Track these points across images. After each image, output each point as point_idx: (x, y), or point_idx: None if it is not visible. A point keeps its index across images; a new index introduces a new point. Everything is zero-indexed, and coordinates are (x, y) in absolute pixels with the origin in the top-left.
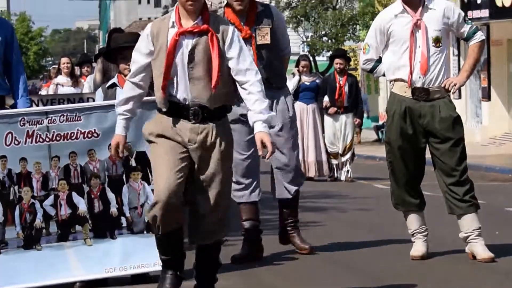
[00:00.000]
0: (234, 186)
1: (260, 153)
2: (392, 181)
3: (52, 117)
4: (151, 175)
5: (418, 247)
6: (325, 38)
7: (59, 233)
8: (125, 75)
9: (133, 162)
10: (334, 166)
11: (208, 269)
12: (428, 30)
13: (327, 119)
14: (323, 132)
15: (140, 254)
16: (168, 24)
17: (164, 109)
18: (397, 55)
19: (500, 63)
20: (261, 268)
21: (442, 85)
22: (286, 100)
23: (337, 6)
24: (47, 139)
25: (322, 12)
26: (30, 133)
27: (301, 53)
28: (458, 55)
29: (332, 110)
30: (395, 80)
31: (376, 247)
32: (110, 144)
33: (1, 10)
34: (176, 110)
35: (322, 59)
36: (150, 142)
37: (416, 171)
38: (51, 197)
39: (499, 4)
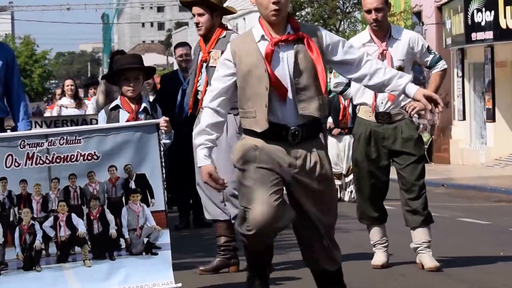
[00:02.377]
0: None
1: (430, 107)
2: (358, 197)
3: (52, 139)
4: (150, 198)
5: (379, 257)
6: None
7: (59, 254)
8: (128, 97)
9: (132, 184)
10: (338, 187)
11: None
12: (393, 60)
13: (331, 139)
14: None
15: (139, 275)
16: (254, 39)
17: (260, 130)
18: None
19: (504, 85)
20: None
21: (404, 108)
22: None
23: (340, 28)
24: (47, 161)
25: None
26: (30, 155)
27: None
28: (462, 77)
29: (336, 131)
30: (361, 104)
31: (379, 268)
32: (110, 166)
33: (6, 34)
34: (274, 131)
35: None
36: (240, 169)
37: (380, 188)
38: (51, 219)
39: (503, 25)
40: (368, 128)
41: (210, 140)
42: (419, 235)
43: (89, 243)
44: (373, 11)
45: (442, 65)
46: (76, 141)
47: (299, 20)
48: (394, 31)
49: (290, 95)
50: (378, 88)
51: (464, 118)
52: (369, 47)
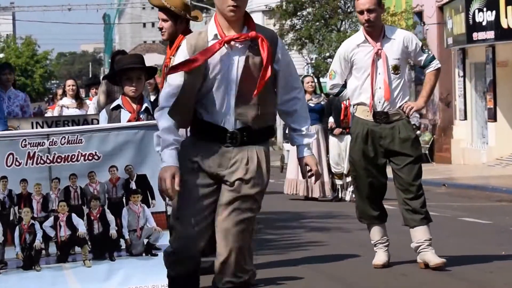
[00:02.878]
0: None
1: (308, 176)
2: (356, 196)
3: (53, 139)
4: (151, 199)
5: (380, 257)
6: (329, 60)
7: (59, 254)
8: (130, 97)
9: (133, 185)
10: (339, 187)
11: None
12: (388, 59)
13: (332, 139)
14: (327, 153)
15: (139, 276)
16: (207, 36)
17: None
18: (360, 81)
19: (505, 84)
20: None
21: (401, 109)
22: None
23: (342, 28)
24: (48, 161)
25: (327, 34)
26: (31, 154)
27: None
28: (464, 76)
29: (337, 131)
30: (358, 104)
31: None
32: (110, 166)
33: (7, 34)
34: (210, 131)
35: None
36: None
37: (378, 187)
38: (51, 219)
39: (504, 25)
40: (366, 128)
41: (177, 141)
42: (420, 234)
43: (89, 243)
44: (365, 12)
45: (436, 64)
46: (77, 141)
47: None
48: (388, 31)
49: (228, 99)
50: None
51: (465, 118)
52: (364, 47)
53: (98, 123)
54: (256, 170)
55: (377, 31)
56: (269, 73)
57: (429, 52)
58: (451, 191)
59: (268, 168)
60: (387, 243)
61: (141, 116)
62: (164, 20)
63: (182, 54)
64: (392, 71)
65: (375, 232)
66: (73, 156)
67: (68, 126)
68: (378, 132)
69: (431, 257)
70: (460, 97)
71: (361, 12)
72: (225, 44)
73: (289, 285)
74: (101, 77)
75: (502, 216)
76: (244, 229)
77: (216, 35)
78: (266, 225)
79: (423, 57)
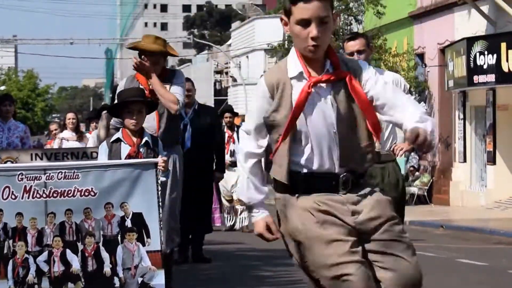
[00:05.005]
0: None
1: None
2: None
3: (50, 173)
4: (146, 237)
5: None
6: None
7: None
8: (130, 130)
9: (128, 223)
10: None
11: None
12: None
13: None
14: None
15: None
16: (288, 74)
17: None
18: None
19: (505, 128)
20: None
21: (391, 149)
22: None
23: None
24: (44, 195)
25: None
26: (27, 188)
27: None
28: (464, 119)
29: None
30: None
31: None
32: (106, 203)
33: (9, 67)
34: (313, 181)
35: None
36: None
37: None
38: (45, 253)
39: (505, 69)
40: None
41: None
42: None
43: (82, 280)
44: (355, 54)
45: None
46: (74, 176)
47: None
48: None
49: (328, 144)
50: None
51: (464, 160)
52: None
53: (97, 156)
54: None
55: None
56: (371, 112)
57: (416, 95)
58: (449, 233)
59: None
60: None
61: (140, 149)
62: (155, 63)
63: (262, 95)
64: None
65: None
66: (69, 192)
67: (67, 158)
68: (368, 171)
69: None
70: (460, 139)
71: (351, 54)
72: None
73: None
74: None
75: (499, 258)
76: None
77: (301, 73)
78: (264, 262)
79: None
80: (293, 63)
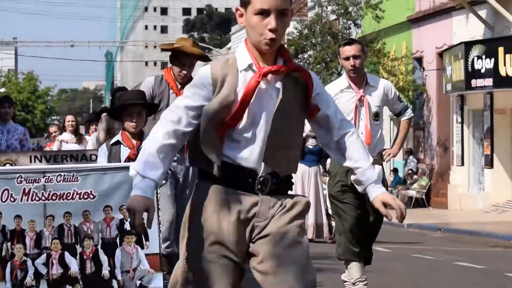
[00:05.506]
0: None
1: (389, 217)
2: (337, 233)
3: (49, 176)
4: (145, 240)
5: None
6: None
7: None
8: (130, 132)
9: (127, 226)
10: (335, 228)
11: None
12: (370, 105)
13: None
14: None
15: None
16: (237, 66)
17: (215, 173)
18: None
19: (503, 131)
20: None
21: (379, 155)
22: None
23: (342, 72)
24: (43, 198)
25: (327, 77)
26: (26, 191)
27: None
28: (462, 123)
29: None
30: None
31: None
32: (105, 206)
33: (8, 69)
34: (235, 176)
35: None
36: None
37: (360, 223)
38: (44, 256)
39: (503, 73)
40: (346, 168)
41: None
42: (358, 271)
43: (81, 282)
44: (351, 58)
45: (409, 113)
46: (73, 179)
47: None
48: (370, 78)
49: (260, 139)
50: (341, 163)
51: (462, 164)
52: (347, 93)
53: (96, 159)
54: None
55: (360, 78)
56: (314, 107)
57: (404, 102)
58: (446, 236)
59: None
60: (366, 282)
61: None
62: (190, 66)
63: (204, 85)
64: (373, 118)
65: (355, 270)
66: (68, 194)
67: (67, 160)
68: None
69: None
70: (457, 143)
71: (347, 59)
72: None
73: None
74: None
75: (497, 261)
76: None
77: (251, 65)
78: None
79: (399, 106)
80: (243, 56)
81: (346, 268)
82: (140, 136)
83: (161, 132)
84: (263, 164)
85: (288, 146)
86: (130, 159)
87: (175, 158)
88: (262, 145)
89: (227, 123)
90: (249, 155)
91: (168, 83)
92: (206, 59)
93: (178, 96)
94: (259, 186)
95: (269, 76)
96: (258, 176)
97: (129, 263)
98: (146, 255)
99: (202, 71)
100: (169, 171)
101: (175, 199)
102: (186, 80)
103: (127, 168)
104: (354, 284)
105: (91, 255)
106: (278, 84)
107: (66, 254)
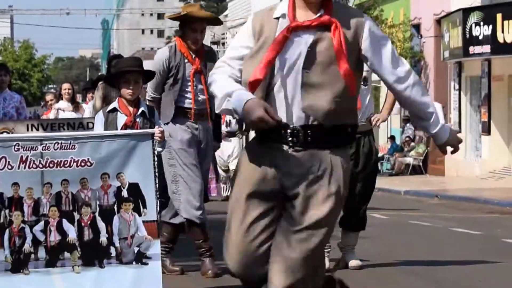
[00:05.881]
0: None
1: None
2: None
3: (46, 144)
4: (143, 207)
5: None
6: None
7: (47, 259)
8: (127, 100)
9: (125, 193)
10: None
11: None
12: None
13: None
14: None
15: (128, 285)
16: (274, 14)
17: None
18: None
19: (500, 98)
20: None
21: (368, 120)
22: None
23: None
24: (41, 166)
25: None
26: (24, 158)
27: None
28: (459, 90)
29: None
30: None
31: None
32: (103, 174)
33: (4, 37)
34: (268, 129)
35: None
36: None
37: (351, 191)
38: (41, 223)
39: (500, 40)
40: None
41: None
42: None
43: (79, 249)
44: None
45: None
46: (70, 146)
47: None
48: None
49: (293, 90)
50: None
51: (459, 131)
52: None
53: (93, 127)
54: (330, 184)
55: None
56: (344, 64)
57: (411, 66)
58: (443, 203)
59: (345, 185)
60: (329, 249)
61: (137, 119)
62: (202, 31)
63: (246, 34)
64: (362, 82)
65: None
66: (65, 162)
67: (64, 129)
68: None
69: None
70: (455, 110)
71: None
72: (292, 31)
73: None
74: (97, 78)
75: (493, 227)
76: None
77: (284, 14)
78: None
79: None
80: (283, 4)
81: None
82: (137, 103)
83: (221, 75)
84: (296, 115)
85: (327, 97)
86: (127, 126)
87: (199, 127)
88: (293, 97)
89: (257, 75)
90: (279, 107)
91: (183, 53)
92: (217, 22)
93: (194, 65)
94: (290, 138)
95: (301, 30)
96: (291, 127)
97: (127, 230)
98: (143, 222)
99: (247, 22)
100: (166, 140)
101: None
102: (200, 46)
103: (124, 135)
104: (341, 249)
105: (88, 222)
106: (310, 37)
107: (64, 221)
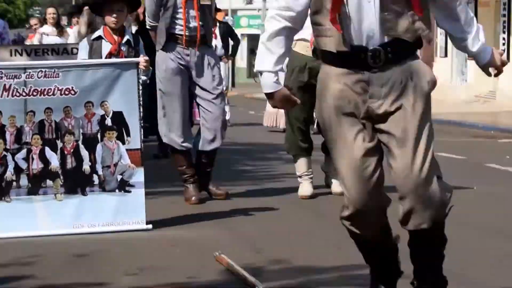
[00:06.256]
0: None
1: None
2: (287, 128)
3: (30, 72)
4: (126, 136)
5: (306, 188)
6: None
7: (29, 187)
8: (111, 28)
9: (109, 122)
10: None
11: (429, 265)
12: None
13: None
14: None
15: (110, 213)
16: None
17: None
18: None
19: (487, 24)
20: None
21: None
22: (215, 57)
23: None
24: (24, 94)
25: None
26: (7, 86)
27: None
28: None
29: None
30: (298, 40)
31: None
32: (86, 102)
33: None
34: (349, 54)
35: None
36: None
37: (308, 122)
38: (24, 151)
39: None
40: (304, 62)
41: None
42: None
43: (61, 177)
44: None
45: None
46: (54, 75)
47: None
48: None
49: (369, 8)
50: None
51: (446, 55)
52: None
53: (77, 52)
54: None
55: None
56: None
57: None
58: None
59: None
60: (312, 175)
61: (122, 48)
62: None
63: None
64: None
65: (302, 164)
66: (49, 90)
67: (48, 54)
68: (315, 68)
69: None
70: (441, 34)
71: None
72: None
73: (264, 215)
74: (83, 3)
75: (477, 152)
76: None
77: None
78: (244, 156)
79: None
80: None
81: (295, 162)
82: (122, 32)
83: (271, 21)
84: (374, 35)
85: (404, 12)
86: (111, 54)
87: (191, 53)
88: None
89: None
90: (358, 27)
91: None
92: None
93: None
94: (372, 60)
95: None
96: (370, 49)
97: (110, 158)
98: (127, 150)
99: None
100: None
101: (194, 86)
102: None
103: (109, 64)
104: (300, 177)
105: (71, 150)
106: None
107: (47, 149)
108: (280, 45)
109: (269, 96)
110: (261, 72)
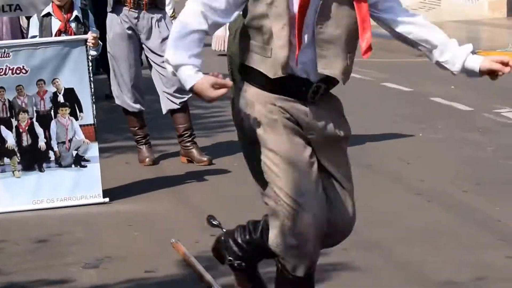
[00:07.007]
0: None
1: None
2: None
3: None
4: (79, 111)
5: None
6: None
7: None
8: (57, 5)
9: (61, 98)
10: None
11: None
12: None
13: None
14: None
15: (67, 187)
16: None
17: (276, 75)
18: None
19: None
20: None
21: None
22: (166, 21)
23: None
24: None
25: None
26: None
27: None
28: None
29: None
30: None
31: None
32: (38, 80)
33: None
34: (289, 85)
35: None
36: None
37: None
38: None
39: None
40: None
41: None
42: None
43: (18, 154)
44: None
45: None
46: (4, 55)
47: None
48: None
49: (310, 45)
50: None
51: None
52: None
53: (28, 26)
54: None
55: None
56: (365, 19)
57: None
58: (374, 41)
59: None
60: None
61: (71, 24)
62: None
63: None
64: None
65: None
66: (0, 70)
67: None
68: None
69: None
70: None
71: None
72: None
73: (218, 179)
74: None
75: (423, 80)
76: None
77: None
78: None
79: None
80: None
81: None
82: (70, 8)
83: (192, 16)
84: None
85: (344, 51)
86: (60, 31)
87: (139, 16)
88: (313, 53)
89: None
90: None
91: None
92: None
93: None
94: (312, 95)
95: None
96: (313, 85)
97: (65, 134)
98: (80, 126)
99: None
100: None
101: (145, 49)
102: None
103: (57, 42)
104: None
105: (26, 128)
106: None
107: (2, 128)
108: (197, 44)
109: (196, 94)
110: (176, 68)
